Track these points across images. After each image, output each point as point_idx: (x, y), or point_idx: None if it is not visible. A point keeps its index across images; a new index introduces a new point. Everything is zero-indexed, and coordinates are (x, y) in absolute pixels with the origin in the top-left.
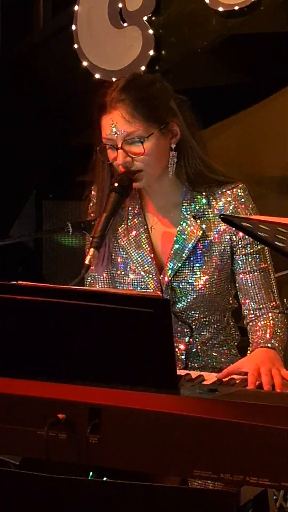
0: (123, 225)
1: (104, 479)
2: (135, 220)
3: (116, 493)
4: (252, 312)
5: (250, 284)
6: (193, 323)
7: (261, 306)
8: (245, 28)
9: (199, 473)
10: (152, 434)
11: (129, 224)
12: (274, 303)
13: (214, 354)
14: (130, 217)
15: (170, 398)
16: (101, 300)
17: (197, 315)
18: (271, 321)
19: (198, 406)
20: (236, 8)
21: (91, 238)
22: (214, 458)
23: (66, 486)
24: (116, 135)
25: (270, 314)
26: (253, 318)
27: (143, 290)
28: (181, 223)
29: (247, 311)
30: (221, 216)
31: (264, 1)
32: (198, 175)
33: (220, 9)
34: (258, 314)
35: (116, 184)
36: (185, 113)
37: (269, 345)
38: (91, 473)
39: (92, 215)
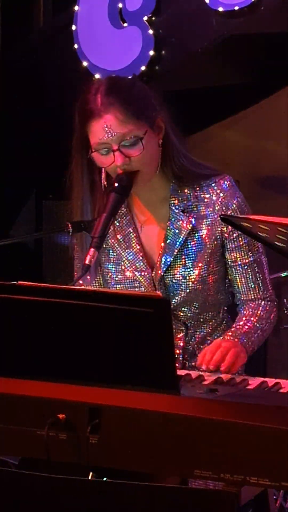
0: (111, 227)
1: (104, 479)
2: (123, 220)
3: (116, 493)
4: (244, 302)
5: (242, 275)
6: (188, 321)
7: (253, 297)
8: (245, 28)
9: (199, 473)
10: (152, 434)
11: (117, 224)
12: (267, 292)
13: None
14: (117, 218)
15: (170, 398)
16: (101, 300)
17: (191, 312)
18: (259, 312)
19: (198, 406)
20: (236, 8)
21: (91, 238)
22: (214, 458)
23: (66, 486)
24: (111, 137)
25: (262, 303)
26: (244, 305)
27: (138, 289)
28: (171, 218)
29: (239, 301)
30: (221, 216)
31: (264, 1)
32: (183, 171)
33: (220, 9)
34: (253, 303)
35: (116, 184)
36: (162, 106)
37: (236, 339)
38: (91, 473)
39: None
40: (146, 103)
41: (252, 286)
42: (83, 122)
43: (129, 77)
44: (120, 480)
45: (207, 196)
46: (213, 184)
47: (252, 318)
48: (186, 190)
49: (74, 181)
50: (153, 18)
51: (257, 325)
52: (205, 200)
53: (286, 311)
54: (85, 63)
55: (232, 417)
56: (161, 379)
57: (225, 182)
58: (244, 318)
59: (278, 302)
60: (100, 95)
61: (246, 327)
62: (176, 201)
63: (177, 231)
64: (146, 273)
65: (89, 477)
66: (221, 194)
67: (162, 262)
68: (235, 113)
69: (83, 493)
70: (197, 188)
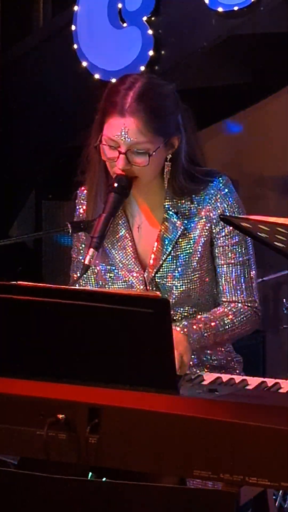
0: None
1: (104, 479)
2: (117, 221)
3: (115, 493)
4: (226, 303)
5: (226, 276)
6: (185, 320)
7: (234, 299)
8: (245, 28)
9: (199, 473)
10: (152, 434)
11: (111, 226)
12: (250, 297)
13: (208, 351)
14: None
15: (169, 398)
16: (101, 300)
17: (185, 312)
18: (232, 316)
19: (197, 406)
20: (236, 8)
21: (90, 238)
22: (214, 458)
23: (65, 486)
24: (123, 140)
25: (240, 306)
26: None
27: (135, 290)
28: (165, 220)
29: (221, 301)
30: (221, 216)
31: (264, 1)
32: (180, 188)
33: (220, 9)
34: (231, 305)
35: (115, 184)
36: (187, 123)
37: (186, 330)
38: (90, 473)
39: (84, 215)
40: (170, 119)
41: (234, 287)
42: (105, 110)
43: (168, 86)
44: (119, 480)
45: (200, 196)
46: (207, 185)
47: (221, 317)
48: (181, 195)
49: (91, 177)
50: (153, 18)
51: (221, 325)
52: (198, 200)
53: (286, 311)
54: (84, 63)
55: (231, 417)
56: (161, 379)
57: (219, 183)
58: (213, 315)
59: (261, 314)
60: (132, 94)
61: (212, 324)
62: (171, 203)
63: (169, 232)
64: (138, 275)
65: (88, 477)
66: (213, 194)
67: (152, 263)
68: (234, 113)
69: (82, 493)
70: (192, 192)
